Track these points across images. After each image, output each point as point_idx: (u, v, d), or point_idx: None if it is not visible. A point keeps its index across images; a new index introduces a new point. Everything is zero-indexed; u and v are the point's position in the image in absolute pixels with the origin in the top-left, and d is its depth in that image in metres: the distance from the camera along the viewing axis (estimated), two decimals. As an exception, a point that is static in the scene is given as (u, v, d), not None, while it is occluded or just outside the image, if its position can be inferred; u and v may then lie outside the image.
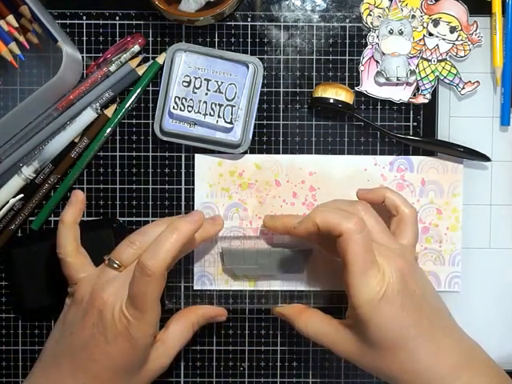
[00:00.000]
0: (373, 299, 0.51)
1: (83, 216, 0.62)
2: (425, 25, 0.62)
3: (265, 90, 0.64)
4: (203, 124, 0.62)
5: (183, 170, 0.64)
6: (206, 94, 0.62)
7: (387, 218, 0.59)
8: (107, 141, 0.63)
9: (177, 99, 0.62)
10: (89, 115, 0.62)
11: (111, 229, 0.62)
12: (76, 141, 0.63)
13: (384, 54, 0.63)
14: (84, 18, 0.63)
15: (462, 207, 0.64)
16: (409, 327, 0.52)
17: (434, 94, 0.63)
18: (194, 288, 0.64)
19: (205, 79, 0.62)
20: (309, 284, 0.64)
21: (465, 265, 0.64)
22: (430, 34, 0.63)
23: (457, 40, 0.63)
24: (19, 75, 0.63)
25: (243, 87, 0.62)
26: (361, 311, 0.51)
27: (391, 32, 0.62)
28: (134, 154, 0.64)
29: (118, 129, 0.64)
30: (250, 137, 0.62)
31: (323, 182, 0.64)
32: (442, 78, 0.63)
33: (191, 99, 0.62)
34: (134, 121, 0.64)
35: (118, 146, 0.64)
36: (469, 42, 0.63)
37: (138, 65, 0.63)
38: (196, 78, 0.62)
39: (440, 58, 0.63)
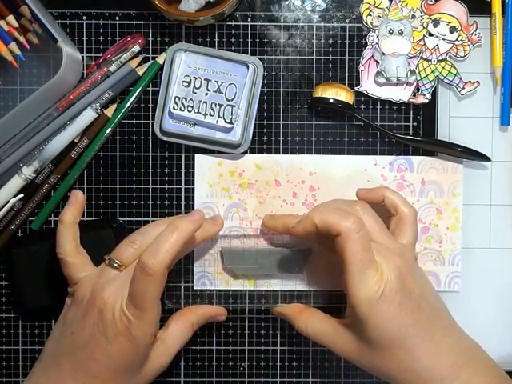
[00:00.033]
0: (371, 298, 0.51)
1: (83, 216, 0.62)
2: (425, 25, 0.62)
3: (265, 90, 0.64)
4: (203, 124, 0.62)
5: (183, 170, 0.64)
6: (206, 94, 0.62)
7: (387, 217, 0.59)
8: (107, 141, 0.64)
9: (177, 99, 0.62)
10: (89, 115, 0.62)
11: (111, 229, 0.62)
12: (76, 141, 0.63)
13: (384, 54, 0.63)
14: (84, 18, 0.63)
15: (462, 207, 0.64)
16: (407, 326, 0.52)
17: (434, 94, 0.63)
18: (194, 288, 0.64)
19: (205, 79, 0.62)
20: (308, 284, 0.64)
21: (465, 265, 0.64)
22: (430, 34, 0.63)
23: (457, 40, 0.63)
24: (19, 75, 0.63)
25: (243, 87, 0.62)
26: (359, 310, 0.51)
27: (391, 32, 0.63)
28: (134, 154, 0.64)
29: (118, 129, 0.64)
30: (250, 137, 0.62)
31: (323, 182, 0.64)
32: (442, 78, 0.63)
33: (191, 99, 0.62)
34: (134, 121, 0.64)
35: (118, 145, 0.64)
36: (469, 42, 0.63)
37: (138, 65, 0.63)
38: (196, 78, 0.62)
39: (440, 58, 0.63)
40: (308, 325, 0.57)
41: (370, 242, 0.53)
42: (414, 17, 0.62)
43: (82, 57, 0.63)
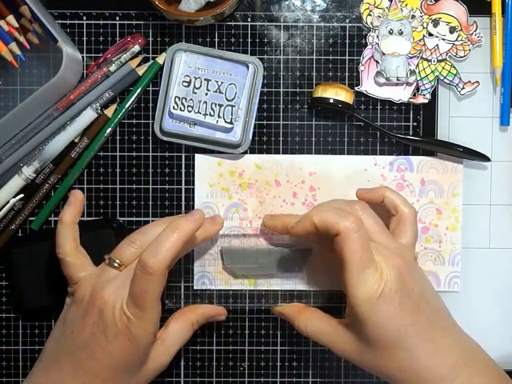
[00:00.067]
0: (370, 298, 0.51)
1: (83, 216, 0.62)
2: (425, 25, 0.63)
3: (265, 90, 0.64)
4: (203, 124, 0.62)
5: (183, 170, 0.64)
6: (206, 94, 0.62)
7: (387, 217, 0.59)
8: (107, 141, 0.64)
9: (177, 99, 0.62)
10: (89, 115, 0.62)
11: (111, 229, 0.62)
12: (76, 141, 0.63)
13: (384, 54, 0.63)
14: (84, 18, 0.63)
15: (462, 207, 0.64)
16: (407, 326, 0.52)
17: (434, 94, 0.64)
18: (194, 287, 0.64)
19: (205, 79, 0.62)
20: (308, 283, 0.64)
21: (464, 265, 0.64)
22: (430, 34, 0.63)
23: (456, 40, 0.63)
24: (19, 75, 0.63)
25: (243, 87, 0.62)
26: (359, 310, 0.51)
27: (391, 32, 0.63)
28: (134, 154, 0.64)
29: (118, 129, 0.64)
30: (250, 137, 0.63)
31: (323, 182, 0.64)
32: (442, 78, 0.63)
33: (191, 99, 0.62)
34: (134, 121, 0.64)
35: (118, 145, 0.64)
36: (468, 42, 0.63)
37: (138, 65, 0.63)
38: (196, 78, 0.62)
39: (440, 58, 0.63)
40: (308, 324, 0.57)
41: (369, 241, 0.53)
42: (413, 17, 0.62)
43: (82, 57, 0.63)
